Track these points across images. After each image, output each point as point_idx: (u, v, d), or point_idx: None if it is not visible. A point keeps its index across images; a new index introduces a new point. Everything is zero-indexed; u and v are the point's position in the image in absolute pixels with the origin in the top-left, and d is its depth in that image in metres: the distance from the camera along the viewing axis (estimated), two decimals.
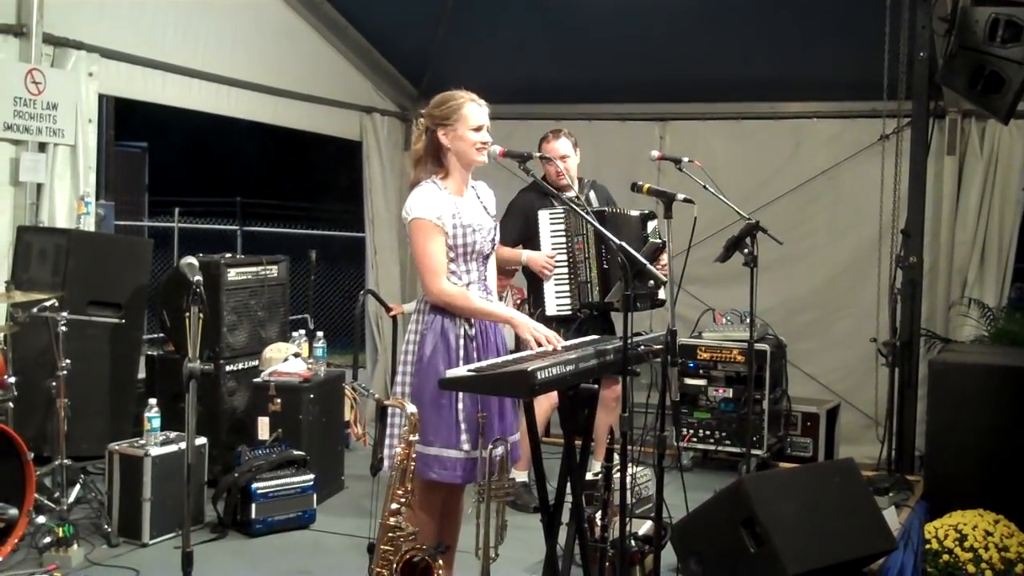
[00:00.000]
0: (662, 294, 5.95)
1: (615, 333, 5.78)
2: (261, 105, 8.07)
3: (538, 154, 4.28)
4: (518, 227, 6.12)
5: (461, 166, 4.20)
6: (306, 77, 8.40)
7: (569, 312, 6.05)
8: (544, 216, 6.05)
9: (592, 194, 6.30)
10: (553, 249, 6.07)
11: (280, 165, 22.02)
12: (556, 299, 6.07)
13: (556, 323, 5.78)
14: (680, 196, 4.50)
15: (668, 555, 4.75)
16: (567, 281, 6.08)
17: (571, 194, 5.88)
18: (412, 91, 9.42)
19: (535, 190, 4.90)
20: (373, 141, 9.12)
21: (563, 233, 6.07)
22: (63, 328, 5.43)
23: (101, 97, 6.92)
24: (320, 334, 6.91)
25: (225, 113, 7.92)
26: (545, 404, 5.98)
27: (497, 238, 4.38)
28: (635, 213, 6.12)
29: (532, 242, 6.14)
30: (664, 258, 5.26)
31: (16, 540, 5.03)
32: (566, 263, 6.08)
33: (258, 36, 7.94)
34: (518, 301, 7.12)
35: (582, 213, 4.46)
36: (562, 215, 6.05)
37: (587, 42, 8.06)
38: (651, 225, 6.13)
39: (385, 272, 9.24)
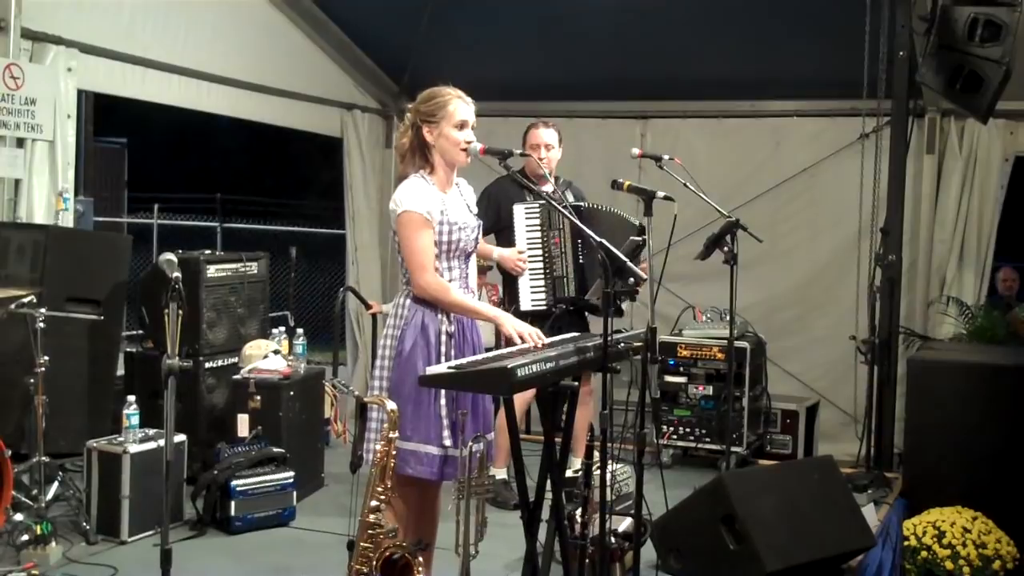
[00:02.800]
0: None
1: (589, 330, 5.78)
2: (241, 101, 8.05)
3: (518, 151, 4.27)
4: (491, 216, 6.06)
5: (446, 164, 4.20)
6: (286, 73, 8.38)
7: (544, 307, 6.01)
8: (519, 209, 6.02)
9: (569, 193, 6.29)
10: (528, 243, 6.03)
11: (260, 161, 21.97)
12: (531, 294, 6.03)
13: (531, 318, 5.77)
14: (660, 194, 4.51)
15: (648, 552, 4.76)
16: (542, 276, 6.04)
17: (548, 188, 5.89)
18: (393, 88, 9.41)
19: (510, 181, 4.89)
20: (354, 138, 9.11)
21: (538, 228, 6.04)
22: (41, 325, 5.38)
23: (80, 92, 6.89)
24: (300, 331, 6.89)
25: (205, 109, 7.90)
26: (520, 400, 5.96)
27: (480, 237, 4.38)
28: (623, 214, 6.09)
29: (504, 233, 6.12)
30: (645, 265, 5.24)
31: None
32: (540, 258, 6.04)
33: (238, 32, 7.92)
34: (494, 299, 7.12)
35: (560, 208, 4.46)
36: (538, 209, 6.02)
37: (568, 39, 8.06)
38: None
39: (365, 269, 9.23)
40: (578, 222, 4.25)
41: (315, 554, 5.41)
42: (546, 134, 6.19)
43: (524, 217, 6.05)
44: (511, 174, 4.53)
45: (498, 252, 6.06)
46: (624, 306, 5.61)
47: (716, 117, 8.49)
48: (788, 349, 8.07)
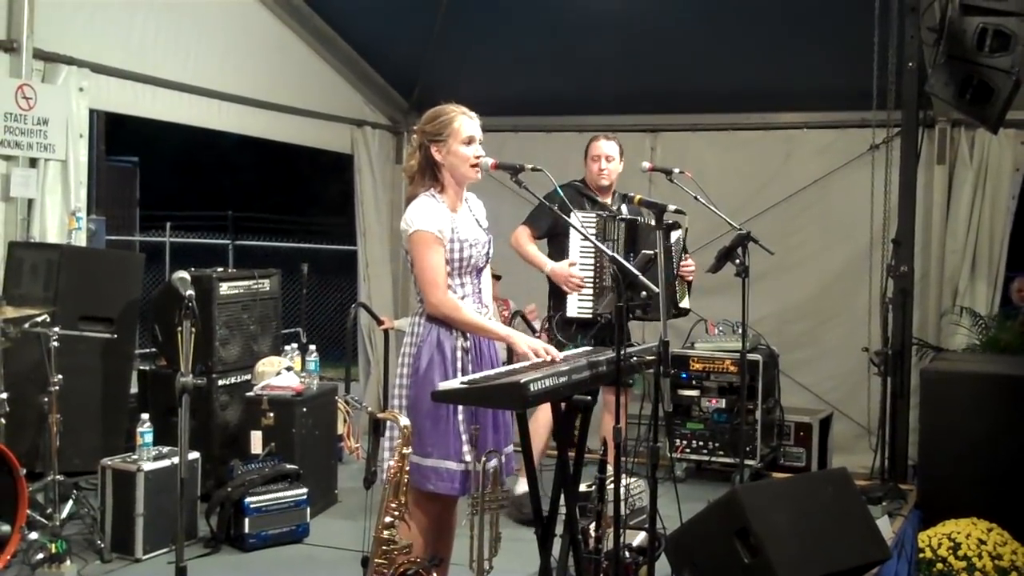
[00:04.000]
0: (686, 303, 5.97)
1: (631, 339, 5.74)
2: (252, 119, 8.07)
3: (530, 166, 4.26)
4: (549, 223, 6.08)
5: (455, 181, 4.20)
6: (297, 90, 8.41)
7: (590, 316, 5.94)
8: (575, 219, 5.86)
9: (624, 208, 6.25)
10: (580, 252, 5.96)
11: (271, 178, 22.02)
12: (578, 301, 5.96)
13: (576, 326, 5.75)
14: (671, 207, 4.51)
15: (662, 566, 4.74)
16: (591, 284, 5.97)
17: (610, 199, 5.90)
18: (403, 104, 9.44)
19: (572, 189, 4.85)
20: (364, 154, 9.13)
21: (593, 236, 5.91)
22: (55, 343, 5.41)
23: (92, 112, 6.91)
24: (312, 347, 6.90)
25: (216, 127, 7.93)
26: (543, 431, 5.90)
27: (491, 252, 4.38)
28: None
29: (557, 239, 6.10)
30: (690, 261, 5.22)
31: (8, 557, 5.01)
32: (592, 267, 5.97)
33: (248, 49, 7.95)
34: (505, 314, 7.11)
35: (570, 223, 4.45)
36: (594, 218, 5.94)
37: (578, 53, 8.08)
38: (675, 235, 6.04)
39: (377, 285, 9.23)
40: (593, 239, 4.24)
41: (329, 571, 5.42)
42: (607, 146, 6.21)
43: (580, 225, 5.98)
44: (571, 183, 4.53)
45: (551, 266, 6.02)
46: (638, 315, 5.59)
47: (726, 130, 8.48)
48: (801, 361, 8.04)
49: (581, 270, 5.98)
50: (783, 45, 7.57)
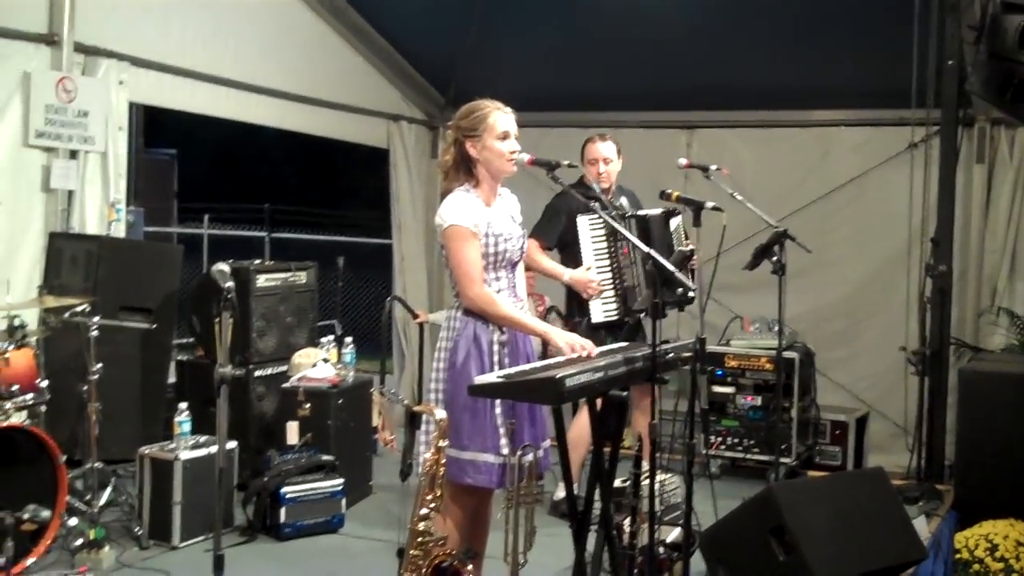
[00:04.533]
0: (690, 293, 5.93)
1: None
2: (289, 113, 8.12)
3: (566, 162, 4.26)
4: (559, 230, 6.05)
5: (491, 176, 4.21)
6: (333, 85, 8.45)
7: (616, 318, 5.89)
8: (583, 221, 5.89)
9: (624, 200, 6.24)
10: (595, 255, 5.91)
11: (308, 172, 22.12)
12: (602, 305, 5.90)
13: (604, 330, 5.72)
14: (709, 204, 4.52)
15: (696, 562, 4.75)
16: (612, 287, 5.91)
17: (609, 197, 5.87)
18: (439, 99, 9.46)
19: (572, 194, 4.86)
20: (400, 149, 9.16)
21: (604, 239, 5.90)
22: (94, 333, 5.47)
23: (131, 105, 6.96)
24: (349, 340, 6.93)
25: (253, 121, 7.98)
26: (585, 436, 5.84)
27: (525, 246, 4.39)
28: (657, 212, 5.94)
29: (570, 248, 6.04)
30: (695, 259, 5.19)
31: (48, 542, 5.07)
32: (609, 268, 5.91)
33: (286, 44, 7.99)
34: (540, 310, 7.10)
35: (616, 224, 4.46)
36: (601, 220, 5.84)
37: (614, 49, 8.06)
38: (674, 222, 5.96)
39: (412, 279, 9.26)
40: (627, 233, 4.24)
41: (364, 561, 5.46)
42: (604, 148, 6.14)
43: (589, 227, 5.92)
44: (572, 186, 4.51)
45: (569, 275, 5.94)
46: (671, 314, 5.56)
47: (763, 127, 8.44)
48: (837, 360, 8.00)
49: (598, 273, 5.93)
50: (821, 41, 7.53)
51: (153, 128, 12.52)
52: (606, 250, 5.91)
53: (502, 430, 4.06)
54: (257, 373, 6.65)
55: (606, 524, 4.16)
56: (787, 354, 6.89)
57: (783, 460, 6.76)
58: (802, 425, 7.23)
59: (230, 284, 4.35)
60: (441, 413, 3.91)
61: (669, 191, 4.67)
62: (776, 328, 5.91)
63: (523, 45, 8.40)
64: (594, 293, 5.88)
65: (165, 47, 6.99)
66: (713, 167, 5.57)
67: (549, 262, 6.08)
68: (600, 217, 5.76)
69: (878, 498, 4.86)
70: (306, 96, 8.17)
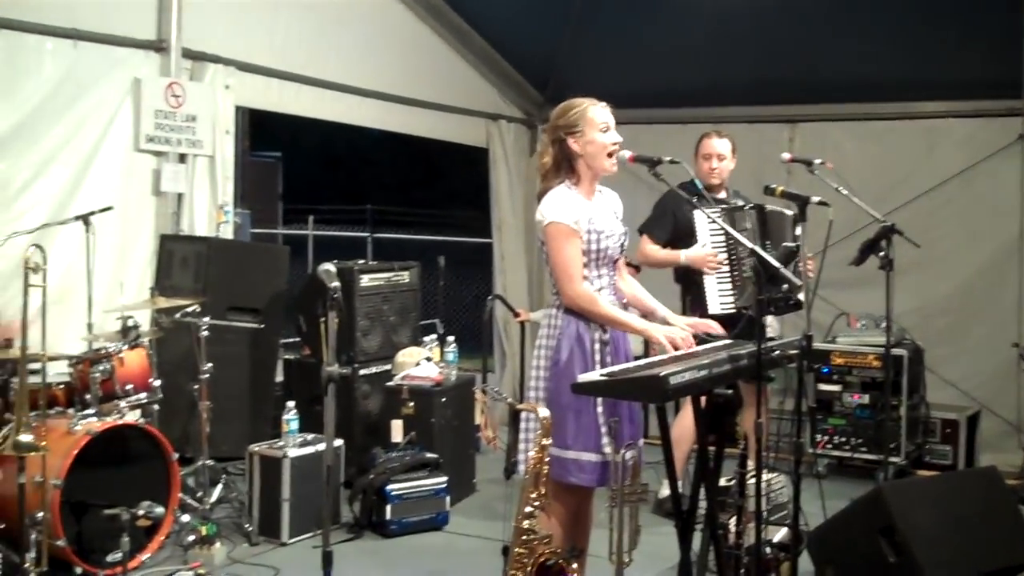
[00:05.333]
0: (800, 296, 5.83)
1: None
2: (390, 113, 8.22)
3: (667, 158, 4.22)
4: (668, 227, 6.01)
5: (592, 172, 4.19)
6: (433, 85, 8.53)
7: (733, 310, 5.73)
8: (701, 215, 5.76)
9: (739, 202, 6.14)
10: (712, 247, 5.82)
11: (409, 172, 22.32)
12: (719, 297, 5.80)
13: (719, 323, 5.63)
14: (815, 199, 4.44)
15: (804, 563, 4.68)
16: (730, 278, 5.81)
17: (723, 195, 5.82)
18: (537, 97, 9.48)
19: (685, 189, 4.80)
20: (499, 148, 9.20)
21: (722, 231, 5.76)
22: (205, 333, 5.60)
23: (237, 109, 7.11)
24: (451, 339, 6.98)
25: (355, 122, 8.10)
26: (688, 434, 5.79)
27: (627, 243, 4.36)
28: (789, 213, 5.82)
29: (683, 242, 5.94)
30: (812, 264, 5.09)
31: (162, 538, 5.22)
32: (727, 260, 5.81)
33: (386, 45, 8.09)
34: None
35: (721, 222, 4.41)
36: (719, 213, 5.65)
37: (714, 44, 7.99)
38: (798, 229, 5.91)
39: (512, 277, 9.30)
40: (729, 228, 4.19)
41: (469, 559, 5.49)
42: (719, 144, 6.09)
43: (707, 222, 5.81)
44: (683, 184, 4.48)
45: (685, 254, 5.88)
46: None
47: (866, 120, 8.29)
48: (946, 356, 7.81)
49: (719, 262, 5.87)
50: (925, 31, 7.36)
51: (258, 131, 12.76)
52: (723, 243, 5.82)
53: (604, 429, 4.05)
54: (362, 372, 6.75)
55: (712, 523, 4.12)
56: (895, 351, 6.76)
57: (892, 459, 6.63)
58: (911, 423, 7.09)
59: (336, 284, 4.41)
60: (545, 411, 3.92)
61: (773, 186, 4.59)
62: (883, 324, 5.79)
63: (621, 41, 8.36)
64: (715, 267, 5.79)
65: (270, 51, 7.13)
66: (817, 161, 5.48)
67: (663, 251, 6.03)
68: (718, 210, 5.69)
69: (991, 498, 4.76)
70: (407, 97, 8.26)
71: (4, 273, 5.54)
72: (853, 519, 4.66)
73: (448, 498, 6.02)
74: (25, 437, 4.46)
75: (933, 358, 7.60)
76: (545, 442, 3.91)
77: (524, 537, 3.91)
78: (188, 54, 6.62)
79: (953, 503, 4.63)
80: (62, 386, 5.38)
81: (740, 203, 6.00)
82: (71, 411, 5.24)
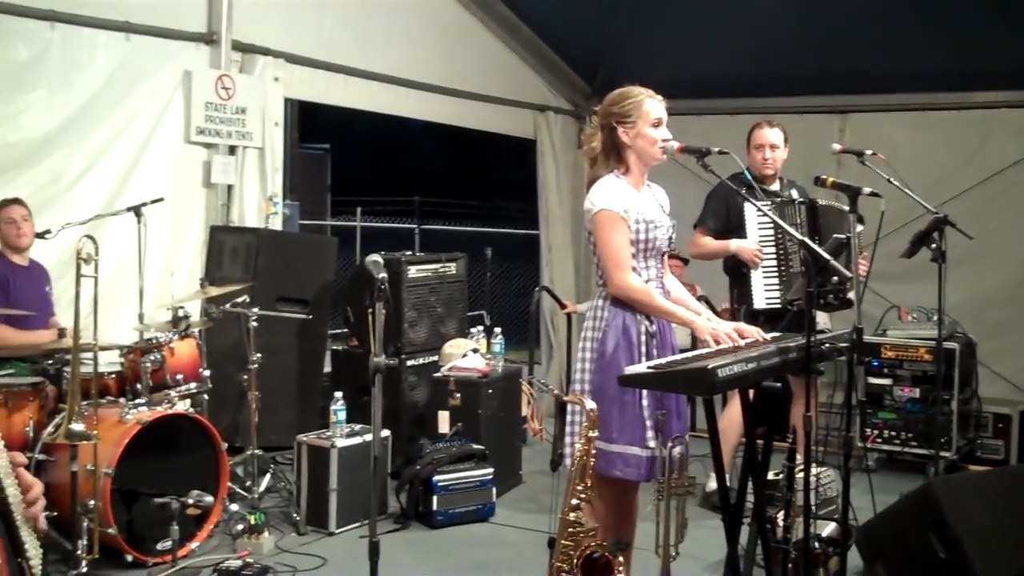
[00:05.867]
0: (851, 295, 5.77)
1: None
2: (437, 105, 8.23)
3: (716, 149, 4.18)
4: (720, 218, 5.97)
5: (641, 163, 4.16)
6: (480, 77, 8.53)
7: (778, 306, 5.74)
8: (751, 208, 5.76)
9: (794, 192, 6.10)
10: (760, 241, 5.81)
11: (456, 164, 22.36)
12: (765, 292, 5.78)
13: (763, 318, 5.60)
14: (867, 190, 4.39)
15: (853, 558, 4.64)
16: (776, 273, 5.80)
17: (776, 186, 5.78)
18: (585, 88, 9.45)
19: (735, 181, 4.75)
20: (547, 139, 9.18)
21: (771, 225, 5.75)
22: (254, 323, 5.64)
23: (286, 101, 7.16)
24: (498, 330, 6.99)
25: (402, 114, 8.12)
26: (735, 427, 5.75)
27: (675, 237, 4.33)
28: (846, 209, 5.83)
29: (734, 234, 5.92)
30: (865, 262, 5.02)
31: (211, 526, 5.28)
32: (775, 255, 5.79)
33: (433, 37, 8.10)
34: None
35: (768, 211, 4.37)
36: (770, 206, 5.69)
37: (763, 34, 7.92)
38: (859, 227, 5.84)
39: (559, 269, 9.29)
40: (779, 220, 4.16)
41: (515, 550, 5.49)
42: (771, 134, 6.05)
43: (756, 215, 5.81)
44: (733, 176, 4.45)
45: (735, 244, 5.86)
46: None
47: (919, 110, 8.18)
48: (998, 350, 7.70)
49: (765, 256, 5.82)
50: (978, 20, 7.24)
51: (307, 123, 12.83)
52: (772, 237, 5.80)
53: (649, 422, 4.02)
54: (409, 363, 6.77)
55: (759, 517, 4.09)
56: (947, 344, 6.68)
57: (943, 454, 6.56)
58: (963, 418, 7.00)
59: (383, 275, 4.42)
60: (591, 403, 3.90)
61: (824, 177, 4.54)
62: (935, 317, 5.72)
63: (669, 32, 8.31)
64: (759, 260, 5.78)
65: (318, 43, 7.17)
66: (868, 152, 5.41)
67: (714, 241, 6.00)
68: (768, 203, 5.65)
69: None
70: (454, 88, 8.27)
71: (58, 264, 5.63)
72: (903, 514, 4.61)
73: (494, 489, 6.03)
74: (77, 426, 4.52)
75: (985, 351, 7.50)
76: (591, 434, 3.89)
77: (570, 529, 3.90)
78: (238, 46, 6.68)
79: (1005, 498, 4.56)
80: (114, 375, 5.45)
81: (794, 193, 5.96)
82: (122, 400, 5.31)
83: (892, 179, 5.26)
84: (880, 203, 4.44)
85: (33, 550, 2.10)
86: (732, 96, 8.57)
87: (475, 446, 6.12)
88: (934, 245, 5.35)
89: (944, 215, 5.39)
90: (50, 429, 5.00)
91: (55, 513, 4.76)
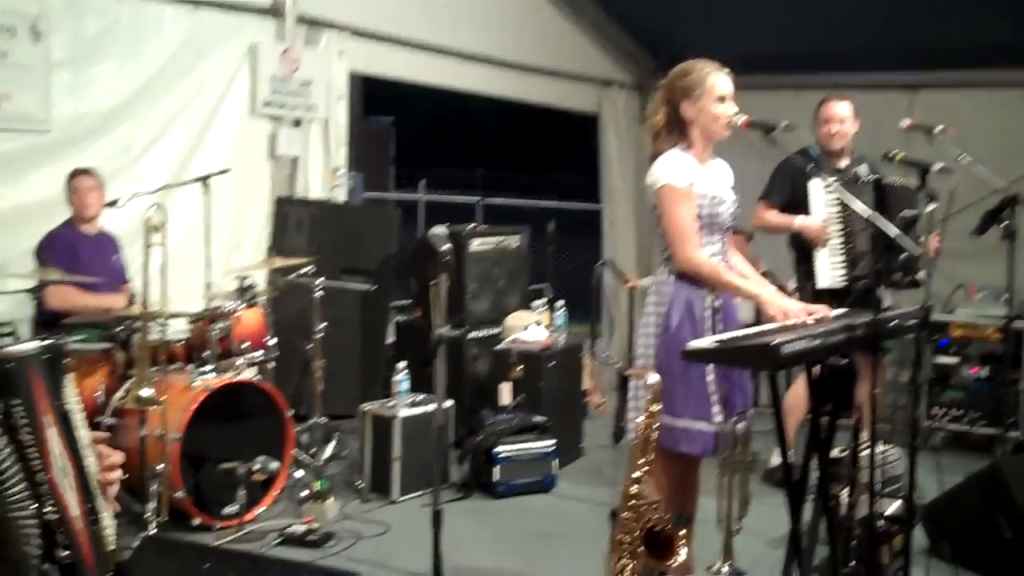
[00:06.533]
0: (920, 275, 5.67)
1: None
2: (501, 79, 8.23)
3: (784, 123, 4.12)
4: (786, 192, 5.88)
5: (705, 138, 4.12)
6: (544, 51, 8.51)
7: (844, 284, 5.62)
8: (816, 184, 5.64)
9: (864, 167, 6.00)
10: (826, 218, 5.68)
11: (519, 138, 22.37)
12: (830, 270, 5.66)
13: (829, 296, 5.53)
14: (937, 166, 4.32)
15: (917, 537, 4.60)
16: (842, 251, 5.65)
17: (845, 162, 5.72)
18: (649, 64, 9.38)
19: (804, 156, 4.65)
20: (610, 114, 9.16)
21: (837, 202, 5.62)
22: (318, 294, 5.70)
23: (350, 74, 7.19)
24: (560, 303, 6.99)
25: (466, 88, 8.13)
26: (802, 403, 5.69)
27: (739, 213, 4.29)
28: (918, 185, 5.74)
29: (799, 210, 5.80)
30: (936, 241, 4.93)
31: (277, 492, 5.36)
32: (841, 233, 5.65)
33: (498, 11, 8.09)
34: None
35: (835, 187, 4.32)
36: (835, 182, 5.45)
37: (831, 8, 7.80)
38: (931, 205, 5.73)
39: (621, 243, 9.29)
40: (846, 196, 4.11)
41: (576, 522, 5.52)
42: (840, 107, 5.92)
43: (822, 192, 5.67)
44: (799, 152, 4.39)
45: (799, 220, 5.74)
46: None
47: (992, 87, 8.02)
48: None
49: (830, 235, 5.75)
50: None
51: (371, 96, 12.87)
52: (837, 214, 5.70)
53: (714, 397, 4.01)
54: (471, 335, 6.80)
55: (823, 494, 4.07)
56: (1016, 324, 6.56)
57: (1010, 434, 6.47)
58: None
59: (447, 247, 4.46)
60: (655, 376, 3.89)
61: (894, 152, 4.47)
62: (1004, 296, 5.63)
63: (735, 6, 8.22)
64: (824, 238, 5.65)
65: (382, 17, 7.19)
66: (938, 128, 5.33)
67: (778, 215, 5.92)
68: (834, 180, 5.56)
69: None
70: (518, 63, 8.27)
71: (128, 233, 5.72)
72: (970, 494, 4.57)
73: (556, 461, 6.05)
74: (146, 392, 4.62)
75: None
76: (654, 408, 3.88)
77: (632, 502, 3.90)
78: (303, 20, 6.72)
79: None
80: (181, 343, 5.54)
81: (864, 169, 5.85)
82: (190, 367, 5.39)
83: (962, 156, 5.18)
84: (950, 180, 4.37)
85: (108, 519, 2.16)
86: (798, 71, 8.47)
87: (537, 418, 6.14)
88: (1005, 223, 5.28)
89: (1015, 193, 5.31)
90: (120, 394, 5.10)
91: (125, 476, 4.84)
